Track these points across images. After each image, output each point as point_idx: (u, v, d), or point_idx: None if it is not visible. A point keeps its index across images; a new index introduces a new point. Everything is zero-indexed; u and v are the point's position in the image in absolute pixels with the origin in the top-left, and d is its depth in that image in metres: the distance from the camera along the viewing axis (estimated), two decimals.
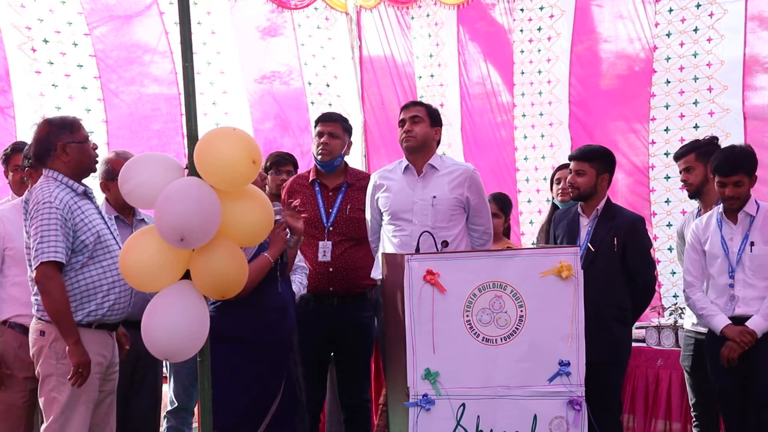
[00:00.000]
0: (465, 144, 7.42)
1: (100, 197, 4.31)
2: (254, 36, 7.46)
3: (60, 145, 3.80)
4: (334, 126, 4.82)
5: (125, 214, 4.43)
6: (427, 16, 7.61)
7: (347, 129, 4.91)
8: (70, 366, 3.68)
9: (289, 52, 7.55)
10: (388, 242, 4.44)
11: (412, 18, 7.67)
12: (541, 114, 7.03)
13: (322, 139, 4.76)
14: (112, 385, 3.96)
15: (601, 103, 6.76)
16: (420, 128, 4.39)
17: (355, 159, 7.50)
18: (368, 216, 4.60)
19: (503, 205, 5.44)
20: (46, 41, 6.25)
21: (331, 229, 4.73)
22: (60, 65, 6.33)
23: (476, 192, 4.42)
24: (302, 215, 4.35)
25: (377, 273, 4.44)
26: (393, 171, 4.52)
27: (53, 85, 6.28)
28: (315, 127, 4.89)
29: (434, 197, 4.33)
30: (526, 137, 7.15)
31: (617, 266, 4.35)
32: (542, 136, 7.05)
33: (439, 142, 4.54)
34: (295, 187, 4.92)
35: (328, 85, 7.73)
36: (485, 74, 7.33)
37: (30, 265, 3.78)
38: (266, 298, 3.90)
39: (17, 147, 4.64)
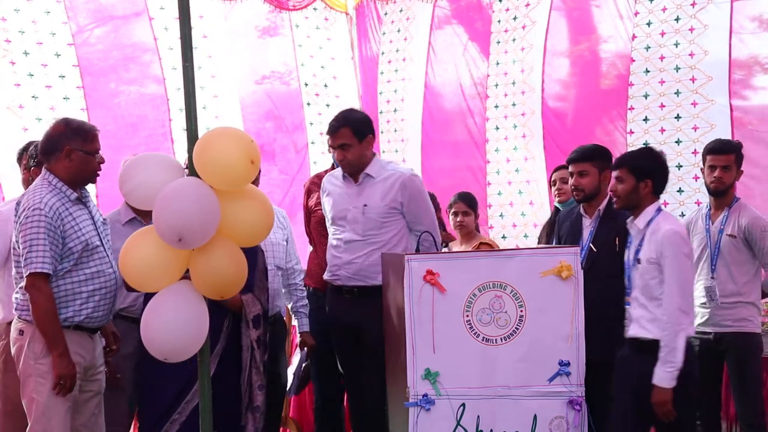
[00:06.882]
0: (425, 139, 7.31)
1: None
2: (253, 36, 7.46)
3: (67, 149, 3.74)
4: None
5: (143, 215, 4.32)
6: (401, 11, 7.55)
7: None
8: (48, 366, 3.63)
9: (288, 53, 7.54)
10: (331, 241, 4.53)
11: (385, 14, 7.64)
12: (514, 104, 6.89)
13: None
14: (98, 385, 3.91)
15: (576, 92, 6.64)
16: (351, 153, 4.38)
17: None
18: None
19: (470, 202, 5.43)
20: (26, 53, 6.24)
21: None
22: (41, 77, 6.30)
23: (410, 196, 4.37)
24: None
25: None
26: (337, 177, 4.57)
27: (33, 96, 6.24)
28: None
29: (365, 206, 4.38)
30: (497, 128, 6.99)
31: (619, 266, 4.33)
32: (515, 126, 6.89)
33: (373, 142, 4.49)
34: (312, 187, 4.98)
35: (326, 86, 7.71)
36: (463, 67, 7.20)
37: (15, 267, 3.75)
38: None
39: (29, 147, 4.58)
